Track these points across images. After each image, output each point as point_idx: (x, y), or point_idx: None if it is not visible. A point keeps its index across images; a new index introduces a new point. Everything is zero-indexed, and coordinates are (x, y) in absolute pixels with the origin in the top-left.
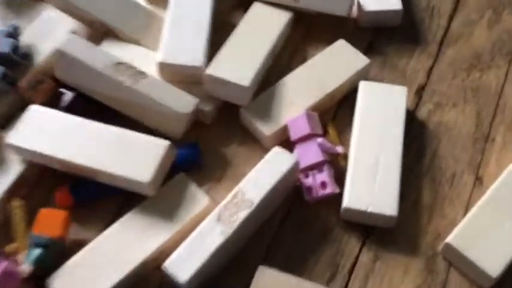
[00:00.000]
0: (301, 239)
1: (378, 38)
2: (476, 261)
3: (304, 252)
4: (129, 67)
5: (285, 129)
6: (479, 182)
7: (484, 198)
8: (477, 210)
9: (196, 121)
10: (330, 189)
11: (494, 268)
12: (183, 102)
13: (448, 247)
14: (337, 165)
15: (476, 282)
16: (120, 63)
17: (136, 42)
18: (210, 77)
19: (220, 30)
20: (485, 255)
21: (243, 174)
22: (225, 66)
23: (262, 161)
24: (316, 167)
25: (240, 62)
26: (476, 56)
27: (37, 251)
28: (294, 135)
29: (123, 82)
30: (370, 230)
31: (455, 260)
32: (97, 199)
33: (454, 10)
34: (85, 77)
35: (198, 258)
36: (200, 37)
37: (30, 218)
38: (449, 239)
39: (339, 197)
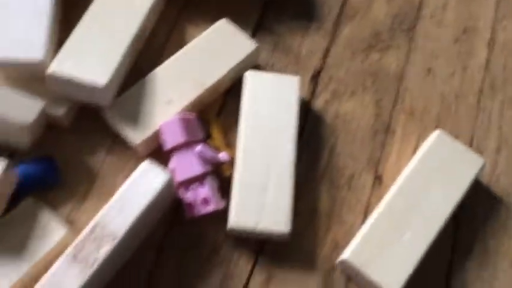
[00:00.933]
0: (185, 264)
1: (268, 13)
2: (374, 279)
3: (189, 279)
4: None
5: (158, 134)
6: (378, 182)
7: (382, 204)
8: (375, 219)
9: (51, 126)
10: (214, 205)
11: (392, 285)
12: (23, 109)
13: (345, 263)
14: (222, 175)
15: None
16: None
17: None
18: (54, 76)
19: (69, 16)
20: (384, 271)
21: (114, 189)
22: (73, 60)
23: (128, 181)
24: (197, 180)
25: (93, 54)
26: (376, 34)
27: None
28: (168, 143)
29: None
30: (262, 245)
31: (353, 275)
32: None
33: None
34: None
35: None
36: (40, 23)
37: None
38: (346, 254)
39: (225, 210)
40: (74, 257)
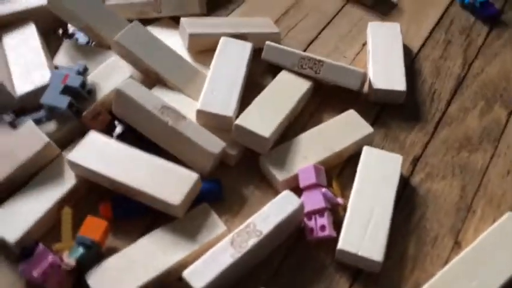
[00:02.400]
0: (299, 274)
1: (384, 113)
2: None
3: (300, 286)
4: (173, 110)
5: (296, 178)
6: (457, 246)
7: (459, 257)
8: (451, 266)
9: (222, 162)
10: (328, 232)
11: None
12: (213, 144)
13: None
14: (336, 214)
15: None
16: (166, 107)
17: (181, 92)
18: (238, 126)
19: (251, 89)
20: None
21: (257, 212)
22: (251, 119)
23: (274, 200)
24: (319, 212)
25: (264, 117)
26: (467, 138)
27: (81, 249)
28: (302, 182)
29: (167, 122)
30: (359, 274)
31: None
32: (133, 216)
33: (452, 97)
34: (136, 114)
35: (211, 272)
36: (233, 92)
37: (76, 224)
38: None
39: (335, 241)
40: (231, 242)
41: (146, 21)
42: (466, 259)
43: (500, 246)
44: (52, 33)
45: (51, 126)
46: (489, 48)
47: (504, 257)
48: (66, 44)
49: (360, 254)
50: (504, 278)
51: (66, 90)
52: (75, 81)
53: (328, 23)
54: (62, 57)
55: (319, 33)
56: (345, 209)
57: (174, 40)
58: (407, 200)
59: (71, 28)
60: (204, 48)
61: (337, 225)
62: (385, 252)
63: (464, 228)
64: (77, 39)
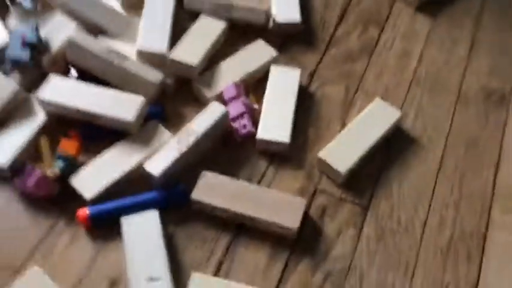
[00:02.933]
0: (230, 164)
1: (287, 41)
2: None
3: (232, 169)
4: (117, 52)
5: (221, 95)
6: (344, 127)
7: (343, 131)
8: (338, 136)
9: (161, 92)
10: (248, 128)
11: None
12: (154, 75)
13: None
14: (254, 117)
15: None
16: (111, 50)
17: (121, 38)
18: (172, 59)
19: (178, 34)
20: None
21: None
22: (183, 51)
23: (205, 109)
24: (241, 115)
25: (192, 48)
26: (349, 54)
27: (61, 162)
28: (226, 95)
29: (113, 61)
30: (274, 156)
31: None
32: (97, 138)
33: (338, 24)
34: (87, 58)
35: (164, 162)
36: (164, 33)
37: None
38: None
39: (255, 136)
40: (177, 141)
41: None
42: (346, 132)
43: (369, 120)
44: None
45: (16, 76)
46: None
47: (370, 126)
48: (14, 11)
49: (273, 139)
50: (372, 140)
51: (26, 45)
52: (32, 38)
53: None
54: (12, 20)
55: None
56: (259, 113)
57: None
58: (307, 101)
59: None
60: (135, 0)
61: (256, 124)
62: (291, 136)
63: (348, 116)
64: (20, 3)
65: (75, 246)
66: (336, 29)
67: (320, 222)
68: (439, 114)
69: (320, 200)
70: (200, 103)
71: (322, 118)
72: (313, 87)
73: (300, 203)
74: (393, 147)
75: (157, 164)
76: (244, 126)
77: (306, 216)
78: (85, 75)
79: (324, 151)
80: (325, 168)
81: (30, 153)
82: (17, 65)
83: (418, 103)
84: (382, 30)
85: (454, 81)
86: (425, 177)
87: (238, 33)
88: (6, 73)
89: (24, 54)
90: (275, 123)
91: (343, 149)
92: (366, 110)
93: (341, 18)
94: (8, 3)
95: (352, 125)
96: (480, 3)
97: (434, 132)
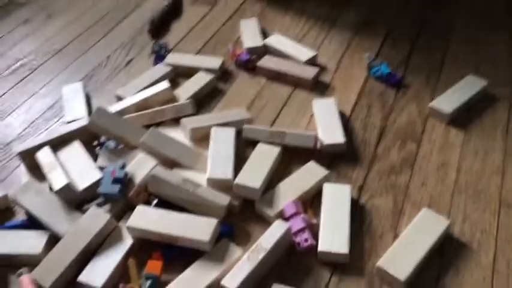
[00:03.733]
0: (294, 275)
1: (334, 160)
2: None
3: (297, 280)
4: (191, 181)
5: (282, 212)
6: (396, 236)
7: (396, 241)
8: (392, 246)
9: (229, 211)
10: (310, 242)
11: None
12: (222, 199)
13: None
14: (313, 231)
15: None
16: (186, 180)
17: (192, 169)
18: (237, 184)
19: (240, 159)
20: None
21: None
22: (245, 177)
23: (270, 227)
24: (301, 231)
25: (254, 174)
26: (392, 167)
27: (149, 282)
28: (286, 213)
29: (189, 189)
30: (336, 267)
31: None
32: (176, 257)
33: (378, 141)
34: (166, 188)
35: (240, 276)
36: (229, 162)
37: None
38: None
39: (315, 248)
40: (248, 258)
41: (155, 124)
42: (400, 241)
43: (420, 229)
44: (90, 145)
45: (107, 207)
46: (397, 105)
47: (422, 235)
48: (101, 151)
49: (333, 251)
50: (426, 248)
51: (115, 180)
52: (121, 174)
53: (284, 104)
54: (101, 160)
55: (279, 113)
56: (318, 226)
57: (175, 134)
58: (359, 214)
59: (102, 139)
60: (201, 137)
61: (315, 237)
62: (349, 247)
63: (399, 225)
64: (106, 146)
65: None
66: (376, 146)
67: None
68: (485, 218)
69: None
70: (263, 221)
71: (375, 228)
72: (362, 200)
73: None
74: (446, 253)
75: (233, 279)
76: (306, 240)
77: None
78: (163, 203)
79: (383, 260)
80: (385, 277)
81: (121, 274)
82: (108, 198)
83: (463, 210)
84: (419, 145)
85: (494, 187)
86: (480, 281)
87: (290, 155)
88: (100, 205)
89: (114, 189)
90: (334, 236)
91: (400, 257)
92: (415, 220)
93: (380, 136)
94: (96, 147)
95: (405, 234)
96: (507, 113)
97: (483, 236)
